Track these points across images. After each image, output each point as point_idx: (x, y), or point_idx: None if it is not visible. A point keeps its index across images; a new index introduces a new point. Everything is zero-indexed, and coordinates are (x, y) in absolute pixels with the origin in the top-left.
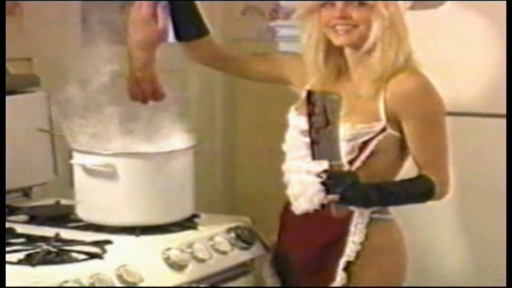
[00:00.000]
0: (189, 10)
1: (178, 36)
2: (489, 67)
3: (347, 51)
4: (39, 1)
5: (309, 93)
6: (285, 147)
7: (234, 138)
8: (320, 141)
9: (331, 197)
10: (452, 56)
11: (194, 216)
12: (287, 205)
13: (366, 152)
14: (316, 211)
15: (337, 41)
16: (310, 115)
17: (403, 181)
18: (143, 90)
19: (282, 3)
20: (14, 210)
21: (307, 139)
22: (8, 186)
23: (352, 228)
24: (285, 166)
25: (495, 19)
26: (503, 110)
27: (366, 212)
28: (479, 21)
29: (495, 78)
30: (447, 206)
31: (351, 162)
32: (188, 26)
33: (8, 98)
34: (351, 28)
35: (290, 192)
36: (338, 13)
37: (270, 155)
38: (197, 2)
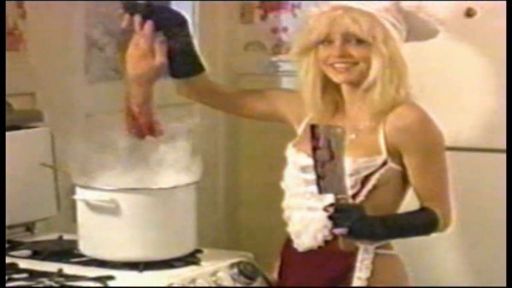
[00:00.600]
0: (186, 46)
1: (173, 72)
2: (489, 101)
3: (344, 88)
4: (42, 37)
5: (313, 128)
6: (283, 184)
7: (236, 173)
8: (326, 175)
9: (339, 231)
10: (451, 91)
11: (197, 251)
12: (288, 242)
13: (369, 186)
14: (319, 247)
15: (337, 78)
16: (314, 150)
17: (407, 214)
18: (140, 126)
19: (284, 38)
20: (17, 245)
21: (307, 176)
22: (11, 221)
23: (358, 264)
24: (285, 204)
25: (492, 53)
26: (503, 145)
27: (371, 247)
28: (476, 55)
29: (495, 113)
30: (447, 241)
31: (353, 196)
32: (185, 63)
33: (11, 134)
34: (350, 66)
35: (291, 229)
36: (337, 52)
37: (273, 190)
38: (201, 36)
